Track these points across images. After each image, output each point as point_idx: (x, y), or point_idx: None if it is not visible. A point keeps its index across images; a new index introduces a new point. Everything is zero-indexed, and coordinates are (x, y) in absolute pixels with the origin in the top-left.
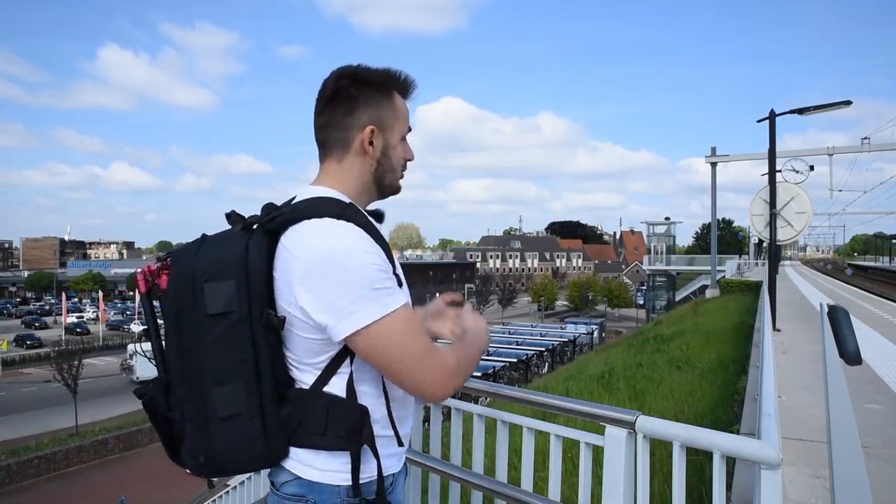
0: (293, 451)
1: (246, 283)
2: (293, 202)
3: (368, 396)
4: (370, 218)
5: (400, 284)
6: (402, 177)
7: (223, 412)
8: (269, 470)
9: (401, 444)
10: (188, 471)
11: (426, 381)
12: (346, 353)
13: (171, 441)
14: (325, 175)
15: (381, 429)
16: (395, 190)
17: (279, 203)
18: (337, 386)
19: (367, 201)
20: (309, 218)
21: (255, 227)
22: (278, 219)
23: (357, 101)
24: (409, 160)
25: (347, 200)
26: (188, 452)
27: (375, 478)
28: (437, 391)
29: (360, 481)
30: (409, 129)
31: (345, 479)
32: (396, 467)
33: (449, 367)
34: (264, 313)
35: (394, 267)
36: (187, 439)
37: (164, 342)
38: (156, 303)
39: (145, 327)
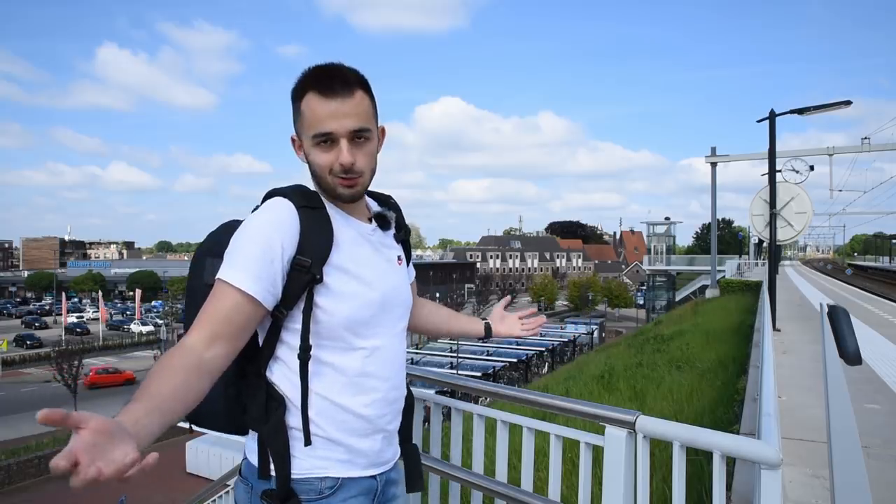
0: (250, 430)
1: None
2: None
3: (288, 385)
4: (340, 212)
5: (316, 278)
6: (338, 183)
7: None
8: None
9: (309, 442)
10: None
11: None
12: (271, 335)
13: None
14: None
15: (319, 426)
16: (337, 196)
17: None
18: (257, 365)
19: (334, 202)
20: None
21: None
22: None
23: (293, 114)
24: (342, 165)
25: (313, 189)
26: None
27: (307, 476)
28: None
29: (292, 475)
30: (328, 133)
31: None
32: (345, 472)
33: (175, 349)
34: None
35: (321, 260)
36: None
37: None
38: None
39: None
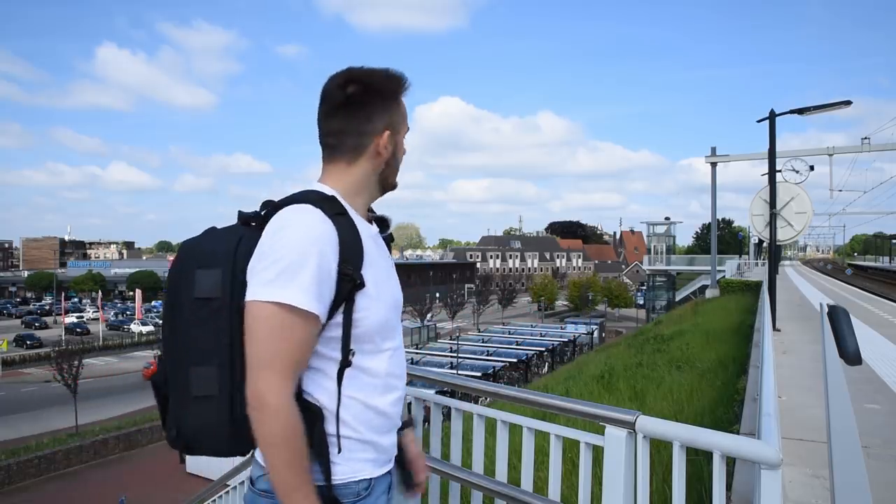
0: None
1: (231, 273)
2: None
3: (323, 393)
4: (359, 218)
5: (360, 285)
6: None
7: (196, 391)
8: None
9: (340, 448)
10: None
11: (251, 387)
12: None
13: (164, 415)
14: (331, 175)
15: (354, 430)
16: (394, 186)
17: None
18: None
19: (368, 199)
20: (284, 206)
21: (252, 222)
22: (267, 213)
23: (374, 108)
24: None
25: (330, 193)
26: (168, 425)
27: (347, 480)
28: (252, 401)
29: (321, 482)
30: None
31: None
32: (376, 472)
33: (270, 406)
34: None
35: (358, 267)
36: (169, 413)
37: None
38: None
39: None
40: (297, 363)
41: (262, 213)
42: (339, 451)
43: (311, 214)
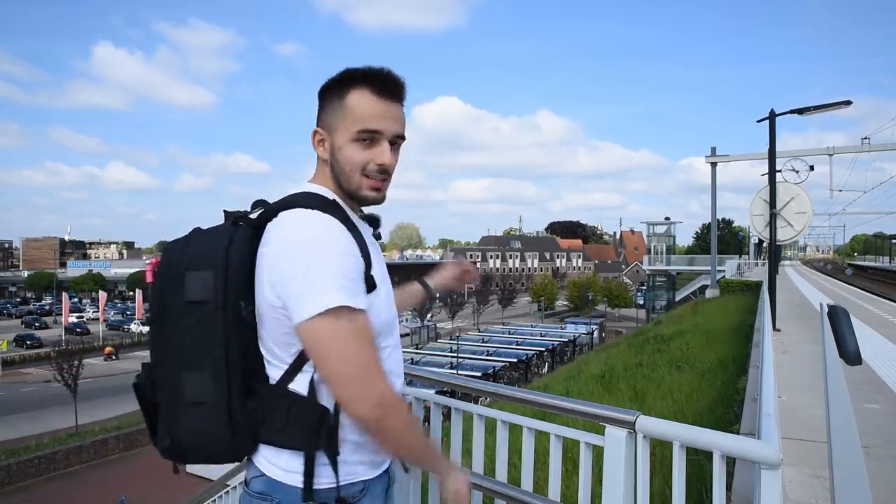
0: (261, 447)
1: (224, 275)
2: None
3: (325, 393)
4: (358, 219)
5: (374, 287)
6: (367, 184)
7: (190, 398)
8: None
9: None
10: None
11: (369, 395)
12: None
13: (153, 424)
14: (315, 174)
15: (348, 433)
16: (361, 199)
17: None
18: (301, 383)
19: (352, 206)
20: (285, 210)
21: (241, 222)
22: (262, 214)
23: (320, 106)
24: (380, 164)
25: (331, 198)
26: (159, 434)
27: (343, 483)
28: (364, 413)
29: (320, 486)
30: (376, 131)
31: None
32: (369, 474)
33: (390, 402)
34: (238, 305)
35: (369, 267)
36: (160, 422)
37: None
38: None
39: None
40: (379, 360)
41: (255, 213)
42: (339, 453)
43: (327, 220)
